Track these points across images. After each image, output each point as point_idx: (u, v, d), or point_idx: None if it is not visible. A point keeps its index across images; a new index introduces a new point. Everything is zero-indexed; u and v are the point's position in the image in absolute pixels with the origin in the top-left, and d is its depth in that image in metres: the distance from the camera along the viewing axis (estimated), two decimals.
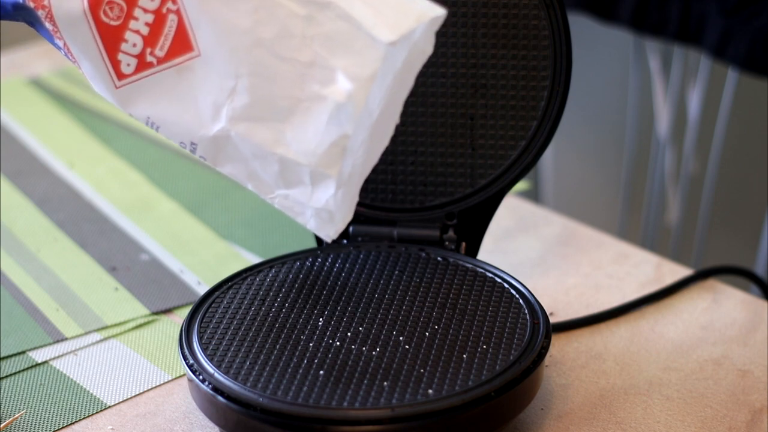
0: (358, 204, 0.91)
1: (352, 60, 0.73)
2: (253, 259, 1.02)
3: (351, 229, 0.91)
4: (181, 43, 0.76)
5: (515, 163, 0.89)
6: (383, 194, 0.91)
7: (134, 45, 0.76)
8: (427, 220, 0.91)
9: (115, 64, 0.77)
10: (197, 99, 0.77)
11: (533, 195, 1.89)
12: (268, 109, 0.76)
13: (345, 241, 0.91)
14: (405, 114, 0.89)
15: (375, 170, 0.91)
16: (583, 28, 1.64)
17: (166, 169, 1.19)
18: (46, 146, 1.23)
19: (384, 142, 0.78)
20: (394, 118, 0.77)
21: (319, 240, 0.93)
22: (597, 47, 1.78)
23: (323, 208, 0.78)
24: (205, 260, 1.02)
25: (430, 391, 0.74)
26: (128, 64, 0.76)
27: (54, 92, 1.36)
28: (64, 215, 1.10)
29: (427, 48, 0.75)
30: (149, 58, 0.76)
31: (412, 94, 0.89)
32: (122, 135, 1.26)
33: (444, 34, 0.87)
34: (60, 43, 0.78)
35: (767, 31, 1.32)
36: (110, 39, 0.76)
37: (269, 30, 0.74)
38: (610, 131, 1.83)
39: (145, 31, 0.75)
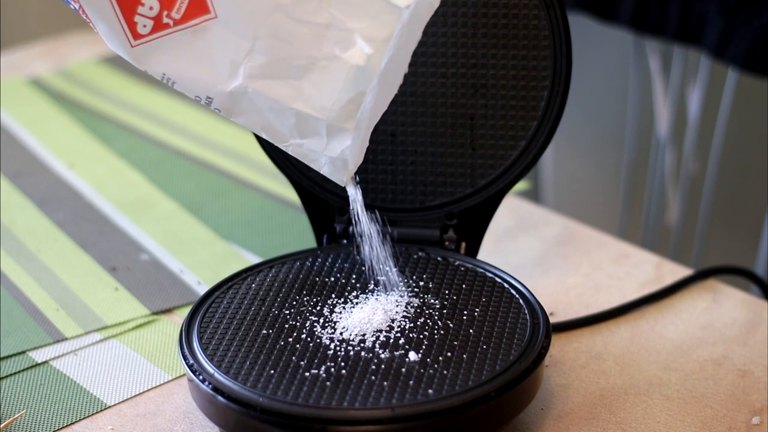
0: None
1: (368, 23, 0.75)
2: (253, 259, 1.02)
3: (351, 229, 0.91)
4: (198, 6, 0.77)
5: (515, 163, 0.89)
6: (383, 194, 0.91)
7: (151, 8, 0.77)
8: (427, 220, 0.91)
9: (131, 26, 0.78)
10: (214, 58, 0.78)
11: (533, 195, 1.89)
12: (286, 68, 0.78)
13: (345, 241, 0.91)
14: (405, 114, 0.89)
15: (375, 170, 0.91)
16: (583, 28, 1.64)
17: (166, 169, 1.19)
18: (46, 146, 1.23)
19: (393, 90, 0.80)
20: (403, 68, 0.79)
21: (319, 240, 0.93)
22: (597, 47, 1.78)
23: (338, 157, 0.80)
24: (205, 260, 1.02)
25: (430, 391, 0.74)
26: (144, 26, 0.78)
27: (54, 92, 1.36)
28: (64, 215, 1.10)
29: (435, 2, 0.77)
30: (165, 20, 0.77)
31: (412, 94, 0.89)
32: (122, 135, 1.26)
33: (444, 34, 0.87)
34: (75, 5, 0.78)
35: (767, 31, 1.32)
36: (127, 3, 0.77)
37: None
38: (610, 131, 1.83)
39: None
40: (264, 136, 0.81)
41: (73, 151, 1.22)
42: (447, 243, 0.90)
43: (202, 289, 0.97)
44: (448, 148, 0.90)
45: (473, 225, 0.90)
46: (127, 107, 1.33)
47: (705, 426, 0.81)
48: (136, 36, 0.78)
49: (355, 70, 0.76)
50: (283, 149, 0.81)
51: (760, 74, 1.34)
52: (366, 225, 0.84)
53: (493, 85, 0.88)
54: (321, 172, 0.81)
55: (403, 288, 0.83)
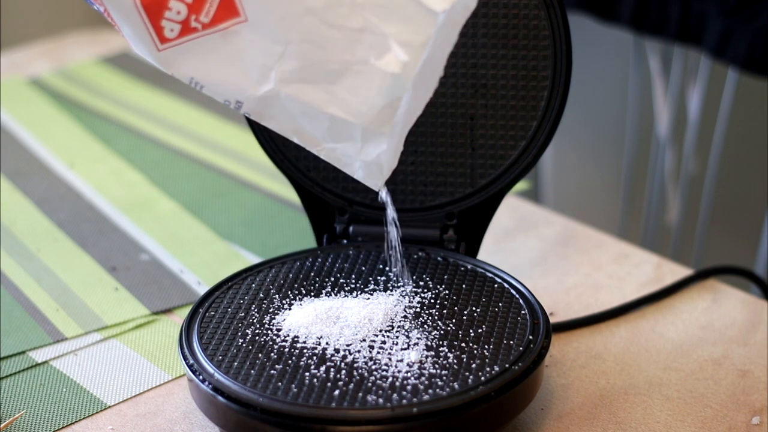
0: (359, 204, 0.91)
1: (404, 27, 0.74)
2: (253, 259, 1.02)
3: (351, 229, 0.91)
4: (227, 9, 0.76)
5: (515, 163, 0.89)
6: None
7: (178, 12, 0.76)
8: (427, 220, 0.91)
9: (158, 30, 0.76)
10: (244, 61, 0.77)
11: (533, 195, 1.89)
12: (319, 72, 0.77)
13: (345, 241, 0.91)
14: None
15: None
16: (583, 28, 1.64)
17: (166, 169, 1.19)
18: (46, 146, 1.23)
19: (428, 94, 0.78)
20: (438, 72, 0.78)
21: (319, 240, 0.93)
22: (597, 47, 1.78)
23: (373, 161, 0.79)
24: (205, 260, 1.02)
25: (430, 391, 0.74)
26: (171, 30, 0.76)
27: (54, 92, 1.36)
28: (64, 215, 1.10)
29: (471, 4, 0.76)
30: (194, 24, 0.76)
31: None
32: (122, 135, 1.26)
33: None
34: (101, 8, 0.77)
35: (767, 31, 1.32)
36: (153, 8, 0.76)
37: None
38: (610, 131, 1.83)
39: None
40: (295, 140, 0.80)
41: (73, 151, 1.23)
42: (447, 243, 0.90)
43: (202, 289, 0.97)
44: (448, 148, 0.90)
45: (473, 225, 0.90)
46: (127, 107, 1.33)
47: (705, 426, 0.81)
48: (163, 40, 0.76)
49: (391, 78, 0.75)
50: (315, 153, 0.80)
51: (760, 74, 1.34)
52: (395, 229, 0.84)
53: (493, 85, 0.88)
54: (355, 177, 0.80)
55: (411, 283, 0.83)
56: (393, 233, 0.85)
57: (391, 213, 0.84)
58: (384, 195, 0.82)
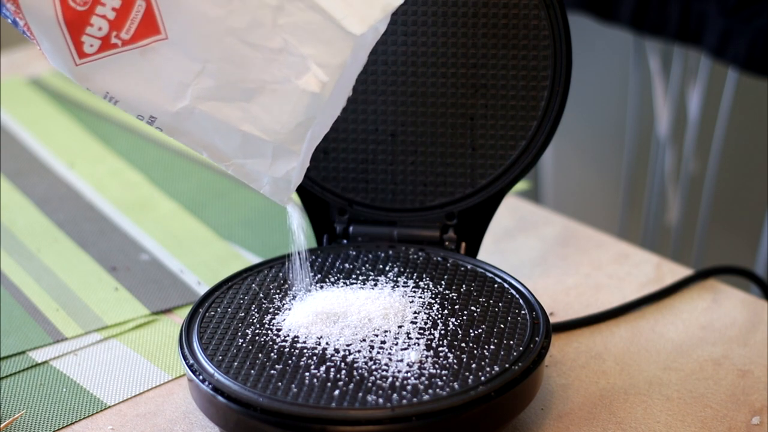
0: (358, 204, 0.91)
1: (322, 49, 0.75)
2: (253, 259, 1.02)
3: (351, 229, 0.91)
4: (149, 27, 0.75)
5: (515, 163, 0.89)
6: (383, 194, 0.91)
7: (100, 29, 0.75)
8: (427, 220, 0.91)
9: (78, 45, 0.76)
10: (161, 78, 0.77)
11: (533, 195, 1.89)
12: (236, 91, 0.77)
13: (345, 241, 0.91)
14: (405, 114, 0.89)
15: (375, 170, 0.91)
16: (583, 28, 1.64)
17: (166, 169, 1.19)
18: (46, 146, 1.23)
19: (336, 113, 0.80)
20: (347, 91, 0.79)
21: (319, 240, 0.93)
22: (597, 47, 1.78)
23: (282, 178, 0.80)
24: (205, 260, 1.02)
25: (430, 391, 0.74)
26: (91, 45, 0.76)
27: (54, 92, 1.36)
28: (64, 215, 1.10)
29: (381, 28, 0.77)
30: (114, 40, 0.76)
31: (413, 94, 0.89)
32: (122, 135, 1.26)
33: (444, 34, 0.87)
34: (21, 23, 0.77)
35: (767, 31, 1.32)
36: (75, 24, 0.75)
37: (241, 20, 0.75)
38: (610, 131, 1.83)
39: (111, 16, 0.75)
40: (204, 155, 0.80)
41: (73, 151, 1.22)
42: (447, 243, 0.90)
43: (202, 289, 0.97)
44: (448, 148, 0.90)
45: (473, 225, 0.90)
46: None
47: (705, 426, 0.81)
48: (82, 55, 0.76)
49: (310, 97, 0.76)
50: (223, 168, 0.80)
51: (760, 74, 1.34)
52: (301, 243, 0.83)
53: (493, 85, 0.88)
54: (261, 192, 0.81)
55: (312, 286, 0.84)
56: (300, 241, 0.84)
57: (296, 228, 0.84)
58: (291, 210, 0.83)
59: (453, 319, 0.80)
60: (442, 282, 0.85)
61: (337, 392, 0.74)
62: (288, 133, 0.77)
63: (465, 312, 0.81)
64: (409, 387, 0.74)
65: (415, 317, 0.81)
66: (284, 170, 0.79)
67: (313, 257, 0.88)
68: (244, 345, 0.79)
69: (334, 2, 0.75)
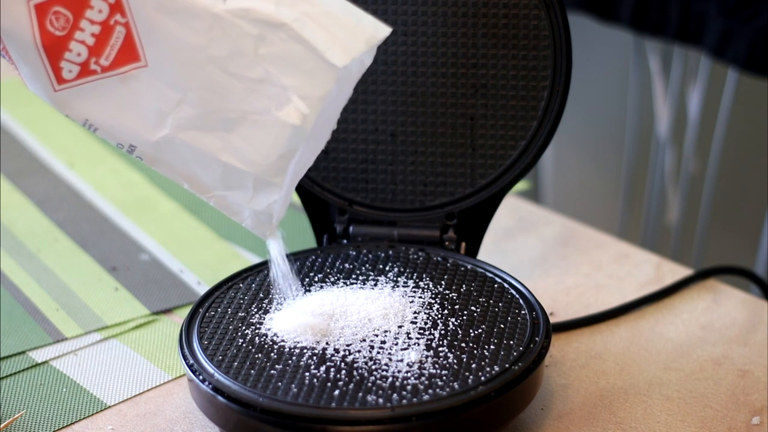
0: (358, 204, 0.91)
1: (304, 81, 0.74)
2: (253, 259, 1.02)
3: (351, 229, 0.91)
4: (128, 54, 0.75)
5: (515, 163, 0.89)
6: (383, 194, 0.91)
7: (78, 54, 0.75)
8: (427, 220, 0.91)
9: (56, 70, 0.75)
10: (141, 106, 0.76)
11: (533, 195, 1.89)
12: (216, 120, 0.76)
13: (345, 241, 0.91)
14: (405, 114, 0.89)
15: (375, 170, 0.91)
16: (583, 28, 1.64)
17: None
18: (46, 146, 1.23)
19: (320, 146, 0.79)
20: (332, 124, 0.78)
21: (319, 240, 0.93)
22: (597, 47, 1.78)
23: (263, 211, 0.79)
24: (205, 260, 1.02)
25: (430, 391, 0.74)
26: (70, 71, 0.75)
27: None
28: (64, 215, 1.10)
29: (367, 60, 0.76)
30: (93, 67, 0.75)
31: (413, 94, 0.89)
32: None
33: (444, 34, 0.87)
34: None
35: (767, 31, 1.32)
36: (54, 49, 0.74)
37: (221, 48, 0.74)
38: (610, 131, 1.83)
39: (90, 41, 0.74)
40: (185, 186, 0.79)
41: (73, 151, 1.23)
42: (447, 243, 0.90)
43: (202, 289, 0.97)
44: (448, 148, 0.90)
45: (473, 225, 0.90)
46: None
47: (705, 426, 0.81)
48: (60, 81, 0.75)
49: (291, 129, 0.75)
50: (205, 200, 0.80)
51: (760, 74, 1.35)
52: (286, 272, 0.83)
53: (493, 85, 0.88)
54: (243, 225, 0.80)
55: (299, 291, 0.83)
56: (284, 269, 0.84)
57: (279, 260, 0.83)
58: (273, 244, 0.82)
59: (453, 319, 0.80)
60: (442, 282, 0.85)
61: (337, 392, 0.74)
62: (269, 165, 0.76)
63: (465, 312, 0.81)
64: (409, 387, 0.74)
65: (415, 317, 0.81)
66: (265, 203, 0.78)
67: (313, 257, 0.88)
68: (244, 345, 0.79)
69: (317, 33, 0.73)
